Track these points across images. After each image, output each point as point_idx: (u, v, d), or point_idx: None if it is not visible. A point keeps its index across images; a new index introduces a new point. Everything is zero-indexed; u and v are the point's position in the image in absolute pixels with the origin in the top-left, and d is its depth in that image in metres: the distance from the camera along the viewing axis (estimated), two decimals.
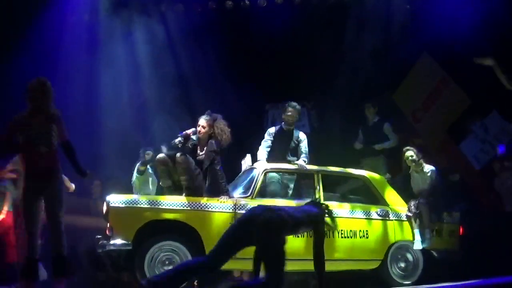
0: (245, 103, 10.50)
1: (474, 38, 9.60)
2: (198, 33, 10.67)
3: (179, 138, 7.19)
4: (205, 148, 7.25)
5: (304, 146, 8.14)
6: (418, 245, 7.65)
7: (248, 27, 10.62)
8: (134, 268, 6.69)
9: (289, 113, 8.21)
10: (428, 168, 8.26)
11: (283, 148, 8.14)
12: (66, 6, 10.07)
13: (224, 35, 10.98)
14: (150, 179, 9.46)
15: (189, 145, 7.27)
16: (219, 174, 7.15)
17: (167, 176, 7.32)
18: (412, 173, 8.37)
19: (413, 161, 8.28)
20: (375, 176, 8.14)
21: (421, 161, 8.30)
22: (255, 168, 7.56)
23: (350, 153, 9.55)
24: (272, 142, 8.15)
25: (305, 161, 7.82)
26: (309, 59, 10.95)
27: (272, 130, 8.32)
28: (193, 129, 7.35)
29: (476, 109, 10.34)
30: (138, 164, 9.33)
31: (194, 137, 7.36)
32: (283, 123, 8.33)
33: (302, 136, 8.26)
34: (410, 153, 8.33)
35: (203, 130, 7.27)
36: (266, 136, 8.26)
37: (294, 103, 8.30)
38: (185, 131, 7.33)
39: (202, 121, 7.30)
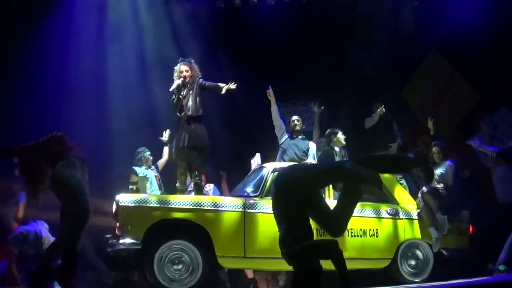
0: (254, 102, 10.48)
1: (483, 35, 9.58)
2: (207, 31, 10.66)
3: (173, 87, 7.64)
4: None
5: (311, 153, 8.36)
6: (436, 247, 7.63)
7: (257, 25, 10.61)
8: (143, 267, 6.70)
9: (295, 122, 8.64)
10: (446, 162, 8.31)
11: (292, 153, 8.34)
12: (74, 6, 10.10)
13: (233, 34, 10.98)
14: (148, 183, 9.07)
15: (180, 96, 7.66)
16: None
17: (186, 176, 7.64)
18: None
19: (438, 154, 8.44)
20: (385, 174, 8.10)
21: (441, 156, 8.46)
22: (265, 167, 7.56)
23: (359, 151, 9.51)
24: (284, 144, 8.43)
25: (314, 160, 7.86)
26: (317, 57, 10.93)
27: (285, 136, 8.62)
28: (178, 81, 7.69)
29: (485, 105, 10.31)
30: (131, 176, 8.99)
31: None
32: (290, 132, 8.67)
33: (311, 145, 8.51)
34: (437, 148, 8.50)
35: (187, 74, 7.65)
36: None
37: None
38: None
39: (183, 67, 7.70)
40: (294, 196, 5.24)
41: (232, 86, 7.58)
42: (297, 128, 8.63)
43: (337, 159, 8.38)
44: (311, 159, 8.08)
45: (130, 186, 8.79)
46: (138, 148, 9.22)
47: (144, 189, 8.79)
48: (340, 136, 8.82)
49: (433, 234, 7.63)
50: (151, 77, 10.24)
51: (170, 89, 7.72)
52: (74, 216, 5.64)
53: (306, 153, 8.35)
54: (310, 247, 5.24)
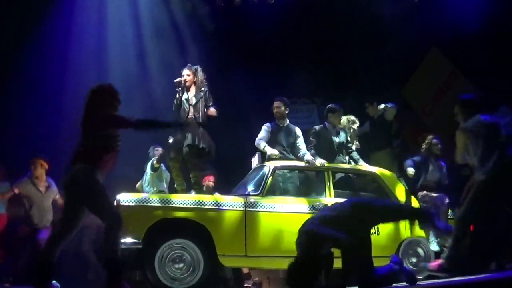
0: (255, 100, 10.48)
1: (483, 32, 9.59)
2: (207, 30, 10.67)
3: (176, 80, 7.86)
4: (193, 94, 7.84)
5: (301, 141, 8.03)
6: (435, 246, 7.63)
7: (257, 24, 10.60)
8: (144, 267, 6.69)
9: (276, 108, 8.08)
10: (439, 165, 8.29)
11: (280, 145, 7.96)
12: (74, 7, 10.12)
13: (233, 33, 10.97)
14: (164, 176, 9.37)
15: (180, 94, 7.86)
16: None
17: (182, 176, 7.59)
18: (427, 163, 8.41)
19: (438, 150, 8.39)
20: (386, 172, 8.10)
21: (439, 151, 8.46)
22: (265, 165, 7.54)
23: (360, 149, 9.51)
24: (269, 138, 7.96)
25: (312, 157, 7.72)
26: (318, 55, 10.93)
27: (268, 125, 8.07)
28: (181, 78, 7.92)
29: (486, 103, 10.30)
30: (152, 160, 9.21)
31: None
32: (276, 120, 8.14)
33: (298, 131, 8.10)
34: (437, 141, 8.50)
35: (188, 78, 7.85)
36: (262, 129, 8.07)
37: (280, 97, 8.20)
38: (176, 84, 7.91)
39: (186, 71, 7.91)
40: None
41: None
42: (278, 114, 8.04)
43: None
44: (308, 156, 7.85)
45: (153, 163, 9.14)
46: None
47: (152, 181, 9.06)
48: (338, 115, 8.47)
49: (431, 236, 7.67)
50: (152, 78, 10.26)
51: (175, 80, 7.89)
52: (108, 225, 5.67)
53: (294, 141, 7.98)
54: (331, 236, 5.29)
